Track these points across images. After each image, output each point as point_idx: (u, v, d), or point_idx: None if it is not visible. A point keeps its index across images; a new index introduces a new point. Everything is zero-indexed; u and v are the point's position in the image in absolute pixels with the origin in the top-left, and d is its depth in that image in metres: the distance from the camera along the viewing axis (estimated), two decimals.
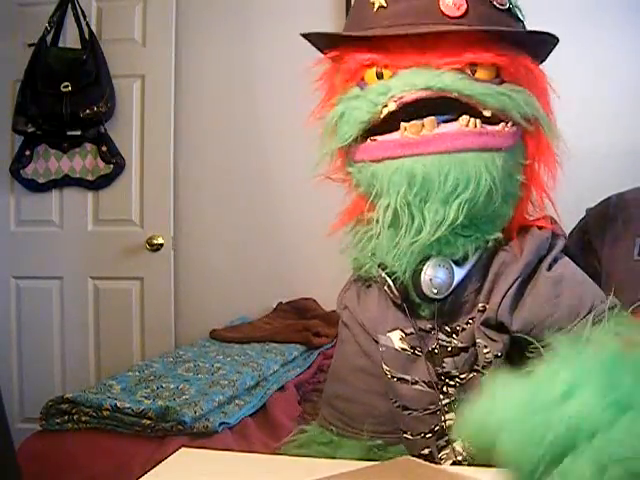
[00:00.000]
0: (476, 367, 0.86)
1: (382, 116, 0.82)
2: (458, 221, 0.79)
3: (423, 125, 0.80)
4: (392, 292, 0.87)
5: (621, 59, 2.32)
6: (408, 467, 0.73)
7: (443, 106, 0.81)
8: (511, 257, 0.86)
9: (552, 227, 0.90)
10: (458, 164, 0.79)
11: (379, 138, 0.84)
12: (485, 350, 0.84)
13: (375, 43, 0.83)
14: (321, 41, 0.90)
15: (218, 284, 2.68)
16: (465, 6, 0.80)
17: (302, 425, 1.04)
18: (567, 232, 1.03)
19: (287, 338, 2.24)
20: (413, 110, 0.81)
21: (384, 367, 0.89)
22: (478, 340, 0.84)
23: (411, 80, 0.80)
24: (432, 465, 0.74)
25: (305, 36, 0.90)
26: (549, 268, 0.87)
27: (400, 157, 0.80)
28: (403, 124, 0.81)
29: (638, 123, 2.30)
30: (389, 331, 0.90)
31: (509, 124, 0.83)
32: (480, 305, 0.86)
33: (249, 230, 2.67)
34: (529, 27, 0.87)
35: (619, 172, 1.84)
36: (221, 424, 1.56)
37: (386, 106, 0.82)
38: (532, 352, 0.78)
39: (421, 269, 0.84)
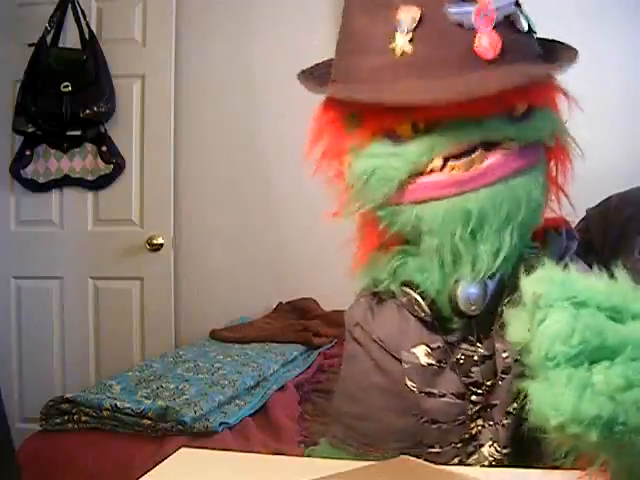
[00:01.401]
0: (498, 373, 0.85)
1: (425, 171, 0.78)
2: (513, 246, 0.78)
3: (472, 160, 0.76)
4: (422, 310, 0.84)
5: (622, 58, 2.32)
6: (407, 466, 0.73)
7: (486, 143, 0.78)
8: (530, 262, 0.86)
9: (567, 227, 0.90)
10: (509, 190, 0.77)
11: (419, 180, 0.78)
12: (504, 355, 0.83)
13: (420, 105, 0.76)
14: (350, 98, 0.82)
15: (218, 284, 2.68)
16: (500, 44, 0.74)
17: (310, 447, 1.02)
18: None
19: (287, 338, 2.24)
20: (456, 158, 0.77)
21: (408, 383, 0.88)
22: (497, 345, 0.84)
23: (455, 137, 0.76)
24: (431, 465, 0.74)
25: (305, 84, 0.85)
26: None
27: (444, 198, 0.77)
28: (451, 163, 0.77)
29: (638, 123, 2.31)
30: (413, 347, 0.88)
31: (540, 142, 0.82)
32: (499, 309, 0.85)
33: (249, 230, 2.67)
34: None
35: (619, 172, 1.84)
36: (221, 424, 1.56)
37: (431, 161, 0.77)
38: None
39: (456, 287, 0.81)
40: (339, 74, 0.84)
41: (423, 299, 0.84)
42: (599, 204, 1.18)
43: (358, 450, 0.92)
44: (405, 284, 0.85)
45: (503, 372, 0.84)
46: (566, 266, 0.86)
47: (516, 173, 0.78)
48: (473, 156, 0.76)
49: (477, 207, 0.76)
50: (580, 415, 0.52)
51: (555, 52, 0.85)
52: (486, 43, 0.74)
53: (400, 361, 0.89)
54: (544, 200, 0.84)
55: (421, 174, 0.78)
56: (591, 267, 0.93)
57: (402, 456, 0.76)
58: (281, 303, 2.61)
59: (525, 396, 0.64)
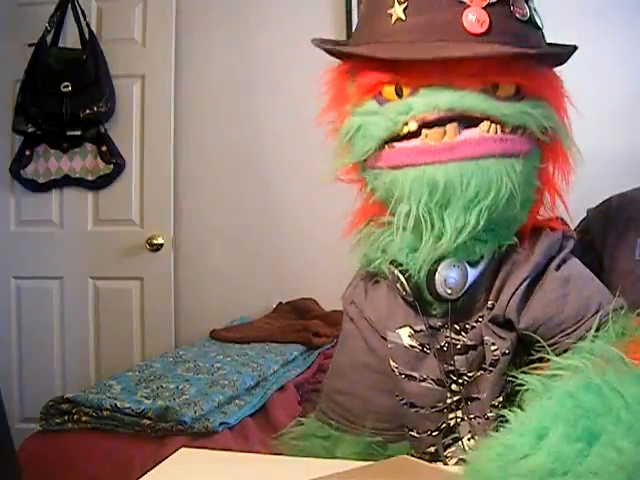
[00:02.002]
0: (484, 365, 0.86)
1: (402, 134, 0.81)
2: (478, 227, 0.79)
3: (445, 132, 0.79)
4: (404, 289, 0.86)
5: (623, 59, 2.32)
6: (406, 466, 0.73)
7: (464, 118, 0.79)
8: (522, 257, 0.86)
9: (563, 228, 0.91)
10: (480, 171, 0.78)
11: (397, 145, 0.82)
12: (493, 347, 0.84)
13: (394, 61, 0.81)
14: (334, 50, 0.88)
15: (218, 284, 2.68)
16: (488, 22, 0.78)
17: (299, 418, 1.04)
18: None
19: (287, 338, 2.24)
20: (430, 127, 0.80)
21: (392, 364, 0.90)
22: (486, 338, 0.85)
23: (433, 101, 0.79)
24: (429, 464, 0.74)
25: (319, 44, 0.88)
26: (558, 268, 0.87)
27: (420, 164, 0.79)
28: (425, 131, 0.79)
29: (639, 123, 2.31)
30: (398, 328, 0.90)
31: (527, 131, 0.82)
32: (489, 303, 0.86)
33: (249, 230, 2.67)
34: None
35: (620, 172, 1.84)
36: (221, 424, 1.56)
37: (406, 124, 0.80)
38: (538, 350, 0.78)
39: (435, 269, 0.83)
40: (353, 37, 0.90)
41: (407, 279, 0.85)
42: (599, 204, 1.18)
43: (339, 425, 0.94)
44: (392, 262, 0.87)
45: (491, 364, 0.84)
46: (560, 264, 0.87)
47: (489, 156, 0.79)
48: (446, 127, 0.79)
49: (444, 179, 0.77)
50: None
51: (555, 48, 0.85)
52: (473, 18, 0.78)
53: (386, 341, 0.90)
54: (530, 195, 0.85)
55: (399, 139, 0.82)
56: (591, 268, 0.93)
57: (402, 456, 0.76)
58: (281, 303, 2.61)
59: (513, 388, 0.66)
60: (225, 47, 2.67)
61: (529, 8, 0.83)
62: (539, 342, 0.78)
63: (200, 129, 2.70)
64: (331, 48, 0.88)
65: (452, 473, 0.74)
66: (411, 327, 0.89)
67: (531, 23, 0.83)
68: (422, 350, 0.88)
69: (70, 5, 2.56)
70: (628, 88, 2.32)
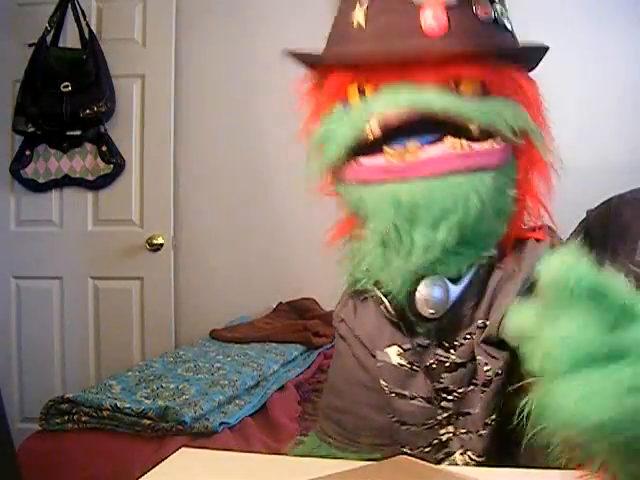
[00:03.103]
0: (474, 381, 0.85)
1: (367, 137, 0.79)
2: (447, 244, 0.77)
3: (407, 150, 0.77)
4: (388, 310, 0.86)
5: (622, 60, 2.32)
6: (405, 466, 0.73)
7: (427, 123, 0.77)
8: (508, 273, 0.85)
9: (549, 239, 0.89)
10: (445, 188, 0.76)
11: (364, 161, 0.80)
12: (486, 368, 0.83)
13: (357, 61, 0.81)
14: (305, 59, 0.88)
15: (218, 284, 2.68)
16: (446, 23, 0.77)
17: (300, 436, 1.03)
18: (567, 234, 1.03)
19: (287, 338, 2.24)
20: (395, 133, 0.77)
21: (382, 382, 0.89)
22: (478, 358, 0.83)
23: (393, 98, 0.77)
24: (428, 464, 0.74)
25: (292, 55, 0.87)
26: None
27: (386, 182, 0.78)
28: (386, 149, 0.78)
29: (638, 123, 2.31)
30: (386, 346, 0.88)
31: (497, 140, 0.79)
32: (479, 322, 0.85)
33: (249, 230, 2.67)
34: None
35: (620, 173, 1.84)
36: (221, 424, 1.56)
37: (368, 122, 0.78)
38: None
39: (415, 289, 0.82)
40: (326, 45, 0.89)
41: (389, 300, 0.85)
42: (599, 205, 1.18)
43: (338, 443, 0.93)
44: (376, 283, 0.86)
45: (484, 385, 0.83)
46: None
47: (458, 172, 0.77)
48: (407, 145, 0.77)
49: (408, 196, 0.76)
50: (618, 416, 0.49)
51: (521, 49, 0.84)
52: (430, 18, 0.77)
53: (375, 359, 0.90)
54: (505, 206, 0.83)
55: (367, 152, 0.80)
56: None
57: (400, 456, 0.76)
58: (281, 303, 2.61)
59: (509, 409, 0.63)
60: (225, 47, 2.67)
61: (495, 10, 0.81)
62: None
63: (200, 129, 2.70)
64: (300, 56, 0.87)
65: (452, 473, 0.74)
66: (399, 346, 0.88)
67: (497, 24, 0.81)
68: (411, 368, 0.87)
69: (70, 5, 2.56)
70: (629, 88, 2.32)
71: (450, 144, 0.77)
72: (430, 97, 0.76)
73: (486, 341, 0.84)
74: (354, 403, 0.94)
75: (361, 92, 0.81)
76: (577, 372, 0.50)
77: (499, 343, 0.83)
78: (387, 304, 0.85)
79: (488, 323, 0.84)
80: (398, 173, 0.77)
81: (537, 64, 0.86)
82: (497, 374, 0.82)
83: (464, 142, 0.78)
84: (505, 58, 0.81)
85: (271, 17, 2.64)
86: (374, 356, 0.90)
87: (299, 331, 2.26)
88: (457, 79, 0.78)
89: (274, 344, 2.20)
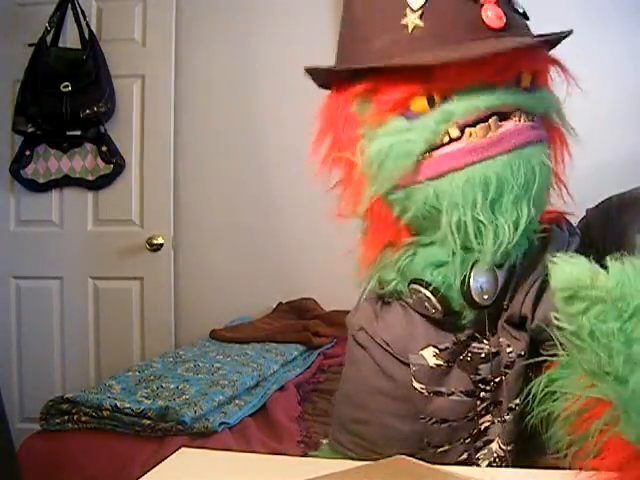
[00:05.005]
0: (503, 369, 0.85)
1: (442, 142, 0.79)
2: (531, 217, 0.78)
3: (489, 126, 0.78)
4: (433, 307, 0.84)
5: (624, 60, 2.32)
6: (404, 466, 0.73)
7: (496, 114, 0.79)
8: (534, 256, 0.86)
9: (567, 224, 0.91)
10: (525, 159, 0.77)
11: (436, 153, 0.79)
12: (508, 349, 0.83)
13: (417, 68, 0.78)
14: (340, 74, 0.84)
15: (218, 284, 2.68)
16: (504, 16, 0.78)
17: (312, 452, 1.01)
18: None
19: (287, 338, 2.24)
20: (472, 126, 0.79)
21: (417, 385, 0.87)
22: (501, 339, 0.83)
23: (472, 103, 0.78)
24: (427, 464, 0.74)
25: (319, 72, 0.86)
26: None
27: (466, 166, 0.77)
28: (468, 129, 0.78)
29: (638, 123, 2.31)
30: (421, 349, 0.87)
31: (544, 119, 0.84)
32: (504, 304, 0.85)
33: (249, 230, 2.67)
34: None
35: (620, 172, 1.84)
36: (221, 424, 1.56)
37: (447, 133, 0.78)
38: (547, 350, 0.77)
39: (469, 277, 0.81)
40: (345, 61, 0.85)
41: (434, 295, 0.83)
42: (599, 204, 1.18)
43: (358, 455, 0.91)
44: (413, 282, 0.85)
45: (506, 367, 0.83)
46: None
47: (529, 143, 0.79)
48: (489, 122, 0.78)
49: (496, 174, 0.76)
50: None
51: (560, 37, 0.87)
52: (492, 14, 0.77)
53: (407, 364, 0.88)
54: (550, 183, 0.85)
55: (438, 147, 0.79)
56: None
57: (398, 456, 0.76)
58: (281, 303, 2.61)
59: (528, 392, 0.64)
60: (225, 47, 2.67)
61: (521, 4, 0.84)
62: (548, 341, 0.77)
63: (200, 129, 2.70)
64: (346, 67, 0.84)
65: (449, 473, 0.74)
66: (435, 346, 0.86)
67: (525, 15, 0.85)
68: (447, 366, 0.87)
69: (70, 5, 2.56)
70: (629, 88, 2.32)
71: (517, 117, 0.79)
72: (504, 97, 0.78)
73: (509, 321, 0.84)
74: (377, 413, 0.91)
75: (429, 102, 0.79)
76: None
77: (520, 323, 0.83)
78: (433, 300, 0.83)
79: (511, 304, 0.84)
80: (483, 151, 0.77)
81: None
82: (520, 355, 0.82)
83: (525, 116, 0.80)
84: (549, 48, 0.85)
85: (271, 17, 2.64)
86: (403, 362, 0.88)
87: (299, 331, 2.26)
88: (519, 74, 0.80)
89: (274, 344, 2.20)
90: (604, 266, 0.63)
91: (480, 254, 0.79)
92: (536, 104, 0.81)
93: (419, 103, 0.79)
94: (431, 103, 0.79)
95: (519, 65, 0.79)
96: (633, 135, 2.30)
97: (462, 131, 0.78)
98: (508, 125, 0.79)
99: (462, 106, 0.78)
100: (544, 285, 0.83)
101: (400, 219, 0.84)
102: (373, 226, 0.88)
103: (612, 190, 1.19)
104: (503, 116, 0.79)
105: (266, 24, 2.64)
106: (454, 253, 0.81)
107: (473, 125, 0.78)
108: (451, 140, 0.79)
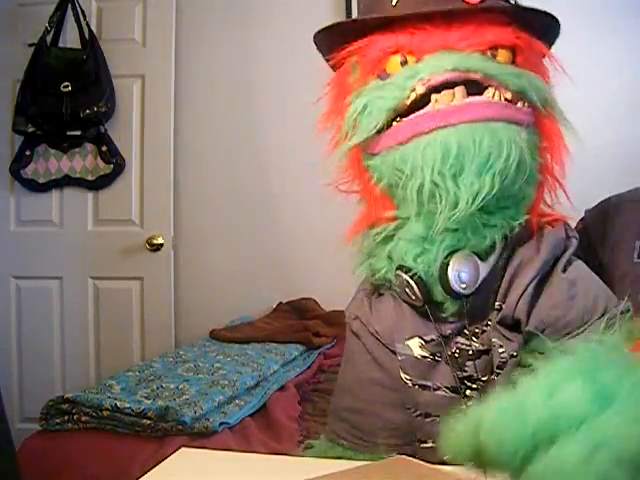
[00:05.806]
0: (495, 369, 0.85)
1: (409, 101, 0.82)
2: (493, 192, 0.78)
3: (454, 95, 0.80)
4: (414, 294, 0.85)
5: (622, 59, 2.32)
6: (404, 466, 0.73)
7: (467, 86, 0.81)
8: (528, 257, 0.86)
9: (566, 227, 0.91)
10: (490, 132, 0.78)
11: (405, 119, 0.83)
12: (500, 350, 0.83)
13: (397, 31, 0.83)
14: (335, 36, 0.89)
15: (218, 284, 2.68)
16: None
17: (308, 440, 1.02)
18: None
19: (287, 338, 2.24)
20: (438, 92, 0.81)
21: (403, 376, 0.88)
22: (494, 340, 0.84)
23: (439, 62, 0.81)
24: (427, 464, 0.74)
25: (320, 31, 0.89)
26: (564, 270, 0.86)
27: (430, 132, 0.79)
28: (434, 96, 0.81)
29: (638, 123, 2.31)
30: (407, 339, 0.88)
31: (525, 104, 0.84)
32: (497, 304, 0.85)
33: (249, 230, 2.67)
34: None
35: (618, 172, 1.84)
36: (221, 424, 1.56)
37: (414, 90, 0.81)
38: (543, 353, 0.77)
39: (447, 264, 0.82)
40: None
41: (416, 283, 0.85)
42: (597, 205, 1.18)
43: (352, 444, 0.92)
44: (399, 268, 0.86)
45: (498, 367, 0.84)
46: (566, 265, 0.87)
47: (497, 119, 0.80)
48: (455, 89, 0.80)
49: (457, 141, 0.78)
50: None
51: (544, 16, 0.88)
52: None
53: (395, 354, 0.89)
54: (534, 171, 0.85)
55: (406, 114, 0.82)
56: (591, 268, 0.93)
57: (398, 456, 0.76)
58: (281, 303, 2.61)
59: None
60: (225, 47, 2.67)
61: None
62: (544, 344, 0.77)
63: (200, 129, 2.70)
64: (340, 22, 0.90)
65: (450, 473, 0.74)
66: (420, 337, 0.88)
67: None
68: (433, 359, 0.87)
69: (70, 5, 2.56)
70: (627, 88, 2.32)
71: (490, 94, 0.82)
72: (473, 61, 0.81)
73: (502, 322, 0.84)
74: (369, 403, 0.93)
75: (403, 63, 0.84)
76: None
77: (514, 325, 0.84)
78: (414, 286, 0.84)
79: (504, 305, 0.84)
80: (447, 117, 0.79)
81: (551, 45, 0.91)
82: (512, 356, 0.82)
83: (501, 94, 0.82)
84: (533, 30, 0.85)
85: (271, 17, 2.64)
86: (393, 351, 0.90)
87: (299, 331, 2.26)
88: (494, 48, 0.83)
89: (274, 344, 2.20)
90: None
91: (437, 218, 0.80)
92: (509, 79, 0.82)
93: (393, 63, 0.84)
94: (404, 64, 0.84)
95: (490, 37, 0.82)
96: (633, 134, 2.30)
97: (429, 97, 0.81)
98: (478, 98, 0.81)
99: (429, 65, 0.81)
100: (539, 288, 0.84)
101: (377, 187, 0.88)
102: (364, 202, 0.92)
103: (610, 190, 1.19)
104: (477, 90, 0.81)
105: (266, 24, 2.64)
106: (429, 227, 0.82)
107: (439, 91, 0.80)
108: (416, 106, 0.82)
